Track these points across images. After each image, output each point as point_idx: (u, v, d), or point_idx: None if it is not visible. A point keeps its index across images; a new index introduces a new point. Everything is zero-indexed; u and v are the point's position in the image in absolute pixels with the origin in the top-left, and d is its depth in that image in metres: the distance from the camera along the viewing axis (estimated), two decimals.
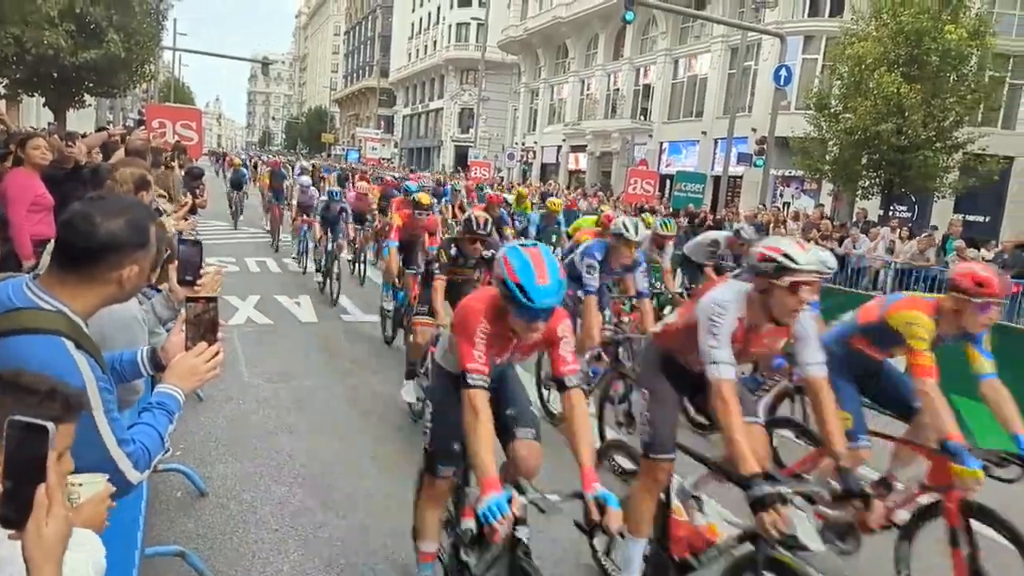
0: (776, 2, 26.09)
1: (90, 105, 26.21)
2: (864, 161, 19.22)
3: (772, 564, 2.69)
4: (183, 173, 8.94)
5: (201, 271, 2.15)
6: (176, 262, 2.17)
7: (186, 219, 7.19)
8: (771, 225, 16.20)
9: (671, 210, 20.25)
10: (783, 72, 19.50)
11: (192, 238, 2.16)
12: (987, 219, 25.58)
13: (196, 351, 1.93)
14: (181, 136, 14.84)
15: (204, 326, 1.95)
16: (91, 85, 22.50)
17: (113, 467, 1.63)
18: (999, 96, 22.89)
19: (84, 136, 6.78)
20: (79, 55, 19.75)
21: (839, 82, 19.85)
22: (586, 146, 39.85)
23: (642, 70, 37.03)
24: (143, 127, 6.94)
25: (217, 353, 1.95)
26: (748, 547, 2.80)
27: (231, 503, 4.22)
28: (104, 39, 19.94)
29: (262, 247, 15.22)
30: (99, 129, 6.52)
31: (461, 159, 49.84)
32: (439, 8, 61.98)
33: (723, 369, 2.85)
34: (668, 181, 27.59)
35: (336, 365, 7.30)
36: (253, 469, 4.69)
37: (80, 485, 1.43)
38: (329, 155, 67.45)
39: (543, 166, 45.20)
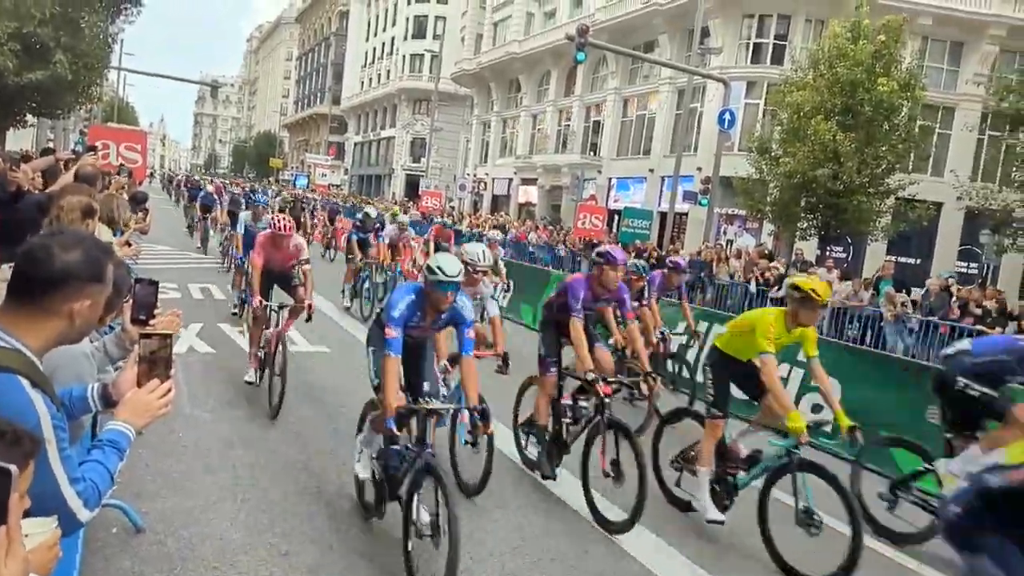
0: (721, 49, 27.04)
1: (31, 125, 25.55)
2: (802, 204, 19.92)
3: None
4: (127, 197, 8.78)
5: (155, 310, 2.16)
6: (131, 301, 2.17)
7: (129, 244, 7.07)
8: (713, 262, 16.64)
9: (619, 245, 20.64)
10: (727, 116, 20.14)
11: (148, 278, 2.16)
12: (918, 261, 26.70)
13: (148, 388, 1.93)
14: (125, 158, 14.56)
15: (157, 363, 1.95)
16: (35, 105, 21.95)
17: (64, 505, 1.63)
18: (928, 145, 24.07)
19: (27, 159, 6.63)
20: (24, 75, 19.27)
21: (779, 127, 20.62)
22: (537, 179, 40.36)
23: (592, 107, 37.85)
24: (93, 152, 6.78)
25: (169, 390, 1.96)
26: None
27: (169, 540, 4.12)
28: (51, 60, 19.51)
29: (207, 273, 14.95)
30: (44, 151, 6.38)
31: (412, 188, 49.88)
32: (393, 39, 62.41)
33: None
34: (616, 216, 28.11)
35: None
36: (192, 504, 4.59)
37: (27, 536, 1.42)
38: (277, 180, 66.78)
39: (494, 197, 45.56)
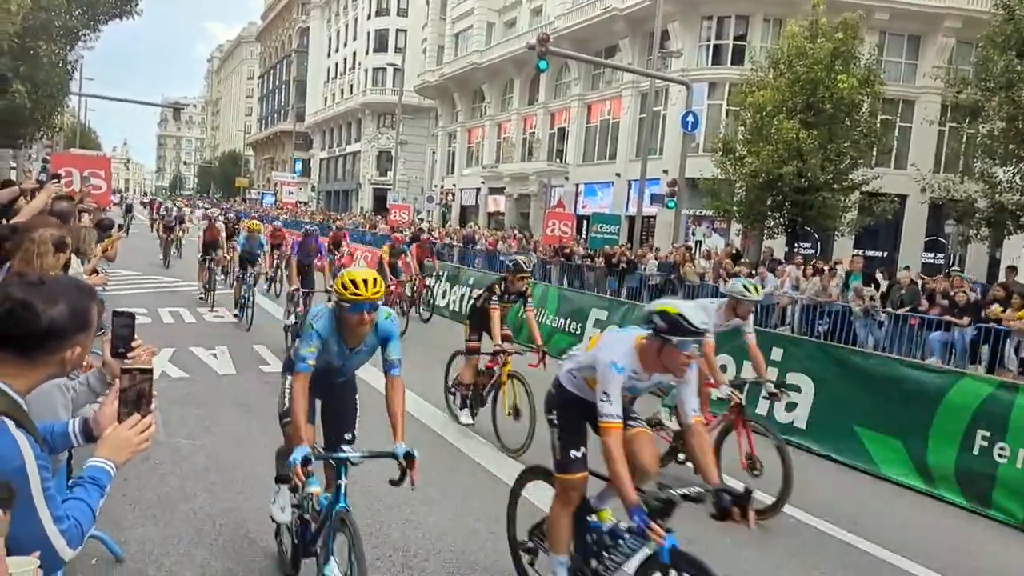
0: (681, 51, 27.36)
1: None
2: (769, 202, 20.14)
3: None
4: (93, 224, 8.64)
5: (133, 342, 2.14)
6: (109, 335, 2.15)
7: (96, 272, 6.96)
8: (682, 264, 16.78)
9: (589, 251, 20.72)
10: (690, 118, 20.32)
11: (125, 310, 2.15)
12: (885, 254, 27.15)
13: (129, 423, 1.92)
14: (88, 185, 14.32)
15: (137, 397, 1.94)
16: None
17: (47, 545, 1.62)
18: (890, 139, 24.47)
19: None
20: None
21: (742, 128, 20.85)
22: (504, 188, 40.42)
23: (557, 114, 38.03)
24: (57, 181, 6.68)
25: (150, 425, 1.95)
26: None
27: (149, 568, 4.07)
28: (10, 90, 19.19)
29: (176, 296, 14.77)
30: (4, 183, 6.27)
31: (380, 202, 49.71)
32: (355, 54, 62.26)
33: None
34: (585, 222, 28.26)
35: (256, 419, 7.09)
36: (171, 532, 4.53)
37: (10, 574, 1.42)
38: (244, 199, 66.21)
39: (463, 208, 45.55)
